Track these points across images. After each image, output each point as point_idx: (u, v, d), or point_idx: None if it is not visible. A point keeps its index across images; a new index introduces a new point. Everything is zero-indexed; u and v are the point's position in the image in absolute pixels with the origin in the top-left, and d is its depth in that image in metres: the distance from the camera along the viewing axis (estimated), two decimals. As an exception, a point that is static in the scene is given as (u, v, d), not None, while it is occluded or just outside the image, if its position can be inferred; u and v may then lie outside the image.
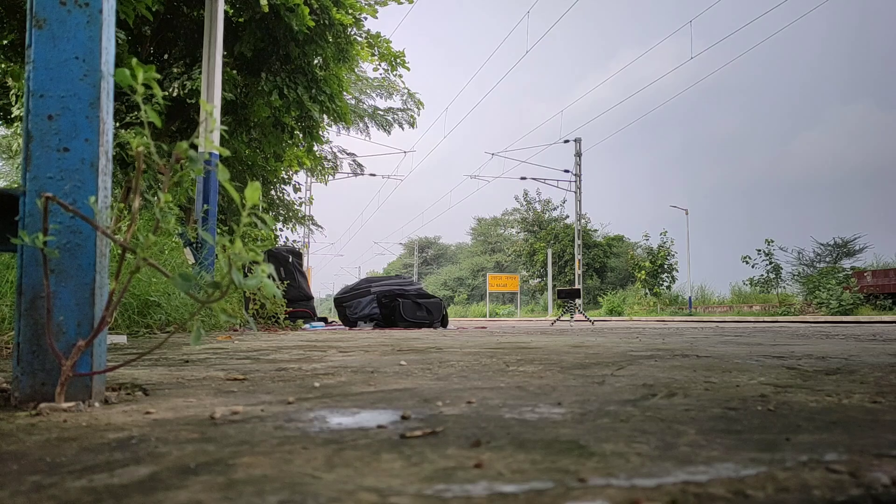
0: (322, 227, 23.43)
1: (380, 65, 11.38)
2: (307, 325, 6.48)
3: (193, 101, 8.23)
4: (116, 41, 6.64)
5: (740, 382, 1.35)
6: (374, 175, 26.89)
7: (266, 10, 7.42)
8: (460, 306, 42.13)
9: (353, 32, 9.97)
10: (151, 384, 1.32)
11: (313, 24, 8.26)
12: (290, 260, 7.25)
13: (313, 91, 9.26)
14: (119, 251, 1.00)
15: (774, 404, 1.04)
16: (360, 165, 22.17)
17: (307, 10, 8.07)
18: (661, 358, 2.02)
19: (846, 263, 25.98)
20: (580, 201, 26.31)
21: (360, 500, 0.53)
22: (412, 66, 11.50)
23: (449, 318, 8.01)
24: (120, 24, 6.55)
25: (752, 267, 20.89)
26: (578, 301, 8.31)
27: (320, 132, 11.58)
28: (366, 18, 10.16)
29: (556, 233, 34.01)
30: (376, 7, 10.32)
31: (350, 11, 9.45)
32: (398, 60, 11.21)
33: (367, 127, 21.16)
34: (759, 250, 20.60)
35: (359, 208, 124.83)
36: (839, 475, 0.60)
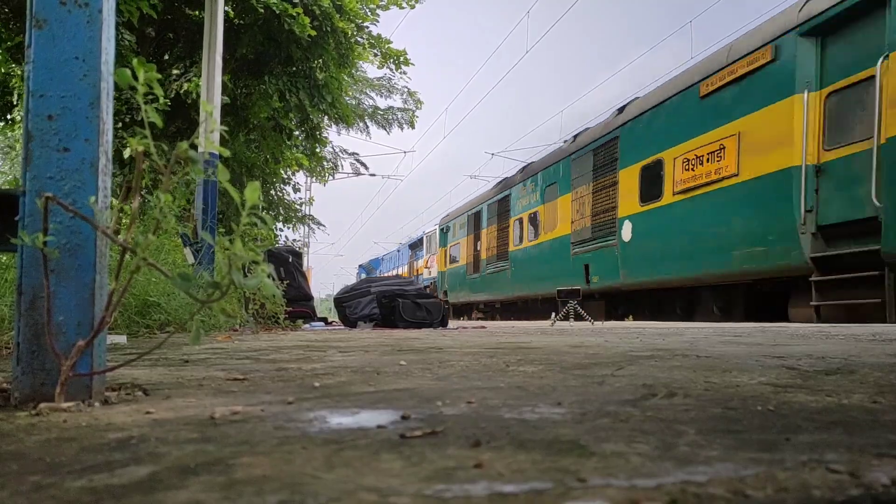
0: (324, 225, 23.46)
1: (385, 63, 11.40)
2: (307, 325, 6.48)
3: (193, 102, 8.24)
4: (125, 44, 6.65)
5: (740, 382, 1.35)
6: (374, 175, 26.91)
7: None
8: (460, 306, 42.03)
9: (354, 36, 10.00)
10: (151, 384, 1.32)
11: (315, 33, 8.29)
12: (290, 260, 7.25)
13: (315, 98, 9.29)
14: (119, 251, 1.00)
15: (774, 404, 1.04)
16: (362, 164, 22.19)
17: (307, 20, 8.10)
18: (661, 358, 2.02)
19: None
20: (580, 201, 26.25)
21: (360, 500, 0.53)
22: (413, 66, 11.55)
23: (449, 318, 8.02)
24: (125, 25, 6.56)
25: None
26: (578, 301, 8.30)
27: (322, 134, 11.62)
28: (368, 26, 10.20)
29: (556, 233, 33.94)
30: (378, 12, 10.35)
31: (353, 18, 9.48)
32: (401, 59, 11.24)
33: (367, 126, 21.17)
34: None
35: (359, 208, 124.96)
36: (839, 475, 0.60)
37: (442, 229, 21.16)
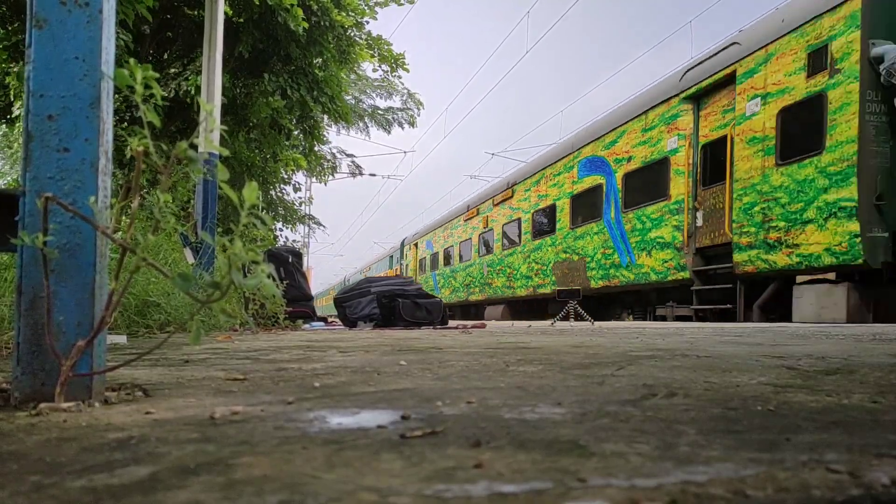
0: (324, 226, 23.53)
1: (380, 66, 11.44)
2: (307, 325, 6.47)
3: (193, 102, 8.24)
4: (121, 44, 6.64)
5: (740, 382, 1.35)
6: (373, 175, 26.99)
7: None
8: (460, 306, 42.19)
9: (353, 34, 9.99)
10: (151, 384, 1.32)
11: (307, 25, 8.27)
12: (290, 260, 7.25)
13: (315, 92, 9.28)
14: (119, 251, 0.99)
15: (774, 404, 1.04)
16: (358, 167, 22.24)
17: (300, 12, 8.08)
18: (661, 358, 2.02)
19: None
20: (580, 201, 26.34)
21: (360, 500, 0.53)
22: (413, 66, 11.56)
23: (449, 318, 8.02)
24: (121, 24, 6.55)
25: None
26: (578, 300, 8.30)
27: (321, 132, 11.63)
28: (367, 22, 10.20)
29: (556, 233, 34.03)
30: (376, 9, 10.35)
31: (351, 14, 9.47)
32: (398, 62, 11.26)
33: (367, 127, 21.19)
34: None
35: (359, 208, 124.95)
36: (839, 475, 0.60)
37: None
